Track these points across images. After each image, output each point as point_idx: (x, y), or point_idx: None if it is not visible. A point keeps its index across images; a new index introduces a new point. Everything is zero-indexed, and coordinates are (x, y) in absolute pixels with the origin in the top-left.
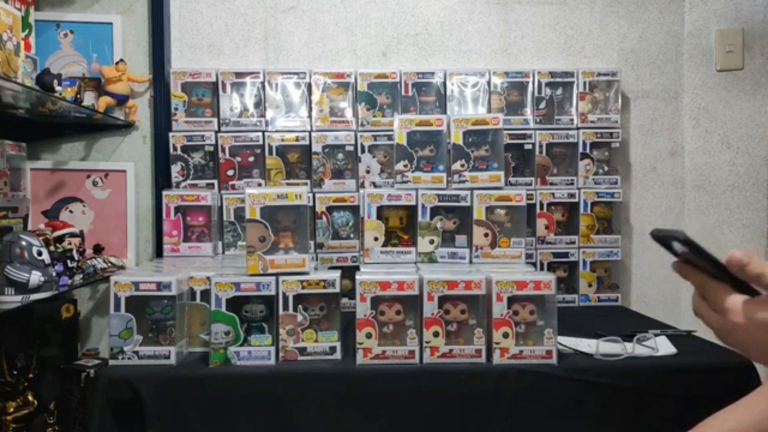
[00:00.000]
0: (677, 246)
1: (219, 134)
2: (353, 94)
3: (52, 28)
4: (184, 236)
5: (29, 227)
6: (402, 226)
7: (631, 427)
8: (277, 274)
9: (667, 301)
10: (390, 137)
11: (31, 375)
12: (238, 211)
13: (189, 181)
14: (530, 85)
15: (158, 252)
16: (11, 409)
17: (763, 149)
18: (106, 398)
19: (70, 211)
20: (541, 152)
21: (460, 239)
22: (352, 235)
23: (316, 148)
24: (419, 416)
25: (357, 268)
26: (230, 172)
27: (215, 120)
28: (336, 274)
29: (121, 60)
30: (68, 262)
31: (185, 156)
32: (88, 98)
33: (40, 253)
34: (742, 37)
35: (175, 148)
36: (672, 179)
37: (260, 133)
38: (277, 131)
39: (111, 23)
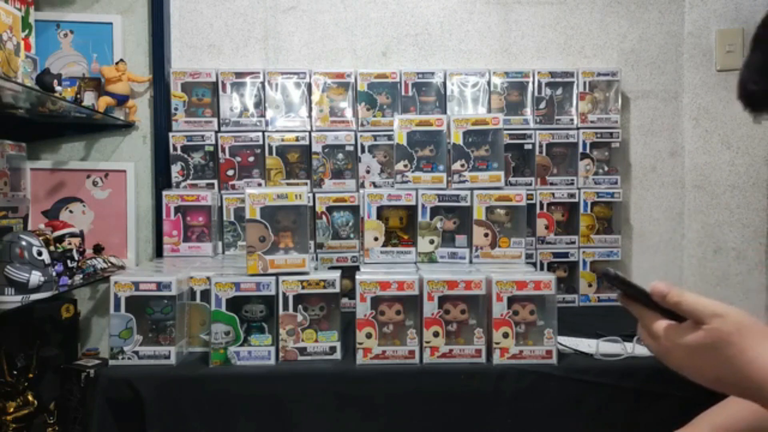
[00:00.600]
0: (616, 286)
1: (219, 134)
2: (353, 94)
3: (52, 28)
4: (184, 236)
5: (29, 227)
6: (402, 226)
7: (630, 427)
8: (277, 274)
9: None
10: (390, 137)
11: (31, 375)
12: (238, 211)
13: (189, 181)
14: (530, 85)
15: (158, 252)
16: (11, 409)
17: (763, 149)
18: (106, 398)
19: (70, 211)
20: (541, 152)
21: (460, 239)
22: (352, 235)
23: (316, 148)
24: (419, 416)
25: (357, 268)
26: (230, 172)
27: (215, 120)
28: (336, 274)
29: (121, 60)
30: (68, 262)
31: (185, 156)
32: (88, 98)
33: (40, 253)
34: (742, 37)
35: (175, 148)
36: (672, 179)
37: (260, 133)
38: (277, 131)
39: (111, 23)
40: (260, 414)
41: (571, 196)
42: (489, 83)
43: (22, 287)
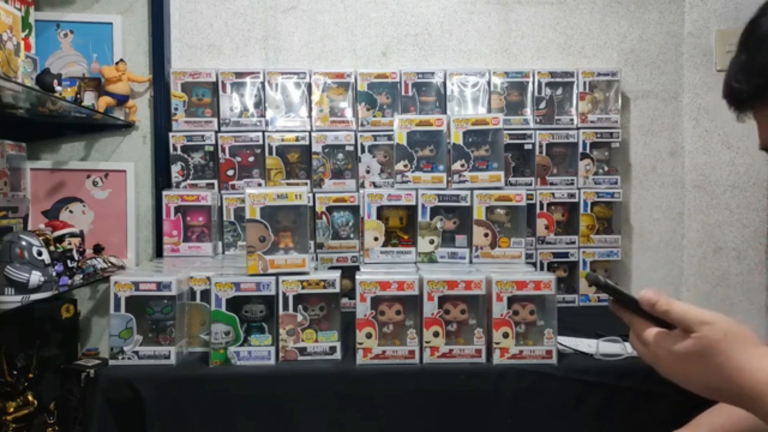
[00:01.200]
0: (606, 292)
1: (219, 134)
2: (353, 94)
3: (52, 28)
4: (184, 236)
5: (29, 227)
6: (402, 226)
7: (630, 427)
8: (277, 274)
9: None
10: (390, 137)
11: (31, 375)
12: (238, 211)
13: (189, 181)
14: (530, 85)
15: (158, 252)
16: (11, 409)
17: None
18: (106, 398)
19: (70, 211)
20: (541, 152)
21: (460, 239)
22: (352, 235)
23: (316, 148)
24: (419, 416)
25: (357, 268)
26: (230, 172)
27: (215, 120)
28: (336, 274)
29: (121, 60)
30: (68, 262)
31: (185, 156)
32: (88, 98)
33: (40, 253)
34: None
35: (175, 148)
36: (672, 179)
37: (260, 133)
38: (277, 131)
39: (111, 23)
40: (260, 414)
41: (571, 196)
42: (489, 83)
43: (22, 287)
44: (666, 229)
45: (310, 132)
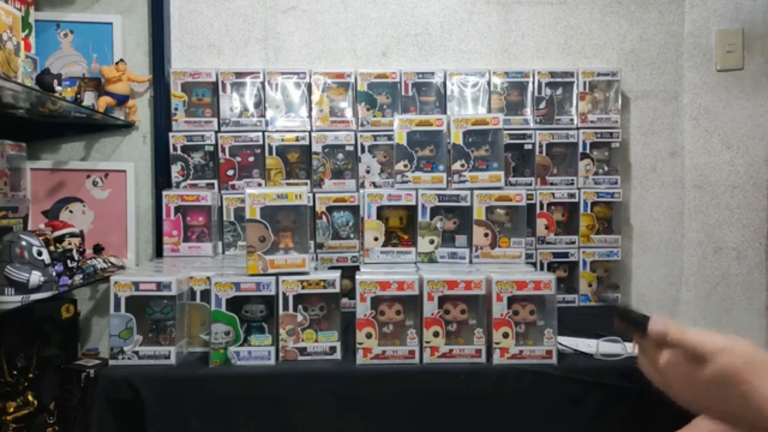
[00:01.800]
0: (615, 314)
1: (219, 134)
2: (353, 94)
3: (52, 28)
4: (184, 236)
5: (29, 227)
6: (402, 226)
7: (630, 427)
8: (277, 274)
9: (667, 301)
10: (390, 137)
11: (31, 375)
12: (238, 211)
13: (189, 181)
14: (530, 85)
15: (158, 252)
16: (11, 409)
17: (763, 149)
18: (106, 398)
19: (70, 211)
20: (541, 152)
21: (460, 239)
22: (352, 235)
23: (316, 148)
24: (419, 416)
25: (357, 268)
26: (230, 172)
27: (215, 120)
28: (336, 274)
29: (121, 60)
30: (68, 262)
31: (185, 156)
32: (88, 98)
33: (40, 253)
34: (742, 37)
35: (175, 148)
36: (672, 179)
37: (260, 133)
38: (277, 131)
39: (111, 23)
40: (260, 414)
41: (571, 196)
42: (489, 83)
43: (22, 287)
44: (666, 229)
45: (310, 132)
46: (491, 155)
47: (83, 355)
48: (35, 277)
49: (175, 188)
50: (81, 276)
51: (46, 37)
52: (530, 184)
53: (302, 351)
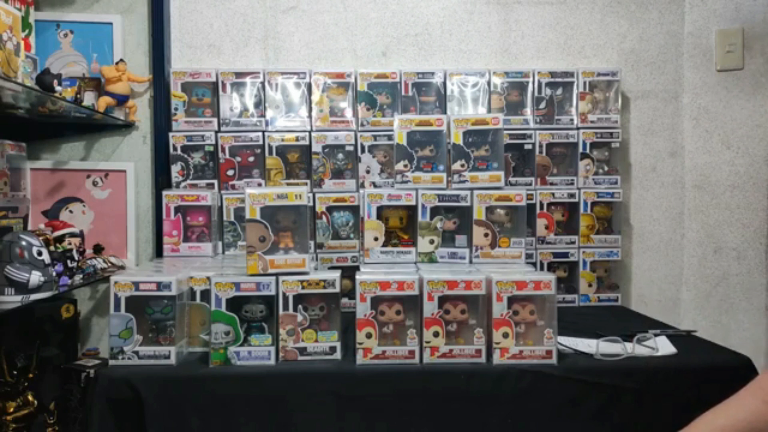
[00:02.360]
0: None
1: (219, 134)
2: (353, 94)
3: (52, 28)
4: (184, 236)
5: (29, 227)
6: (402, 226)
7: (630, 427)
8: (277, 274)
9: (667, 301)
10: (390, 137)
11: (31, 375)
12: (238, 211)
13: (189, 181)
14: (530, 85)
15: (158, 252)
16: (11, 409)
17: (763, 149)
18: (106, 398)
19: (70, 211)
20: (541, 152)
21: (460, 239)
22: (352, 235)
23: (316, 148)
24: (419, 416)
25: (357, 268)
26: (230, 172)
27: (215, 120)
28: (336, 274)
29: (121, 60)
30: (68, 262)
31: (185, 156)
32: (88, 98)
33: (40, 253)
34: (742, 37)
35: (175, 148)
36: (672, 179)
37: (260, 133)
38: (277, 131)
39: (111, 23)
40: (260, 414)
41: (571, 196)
42: (489, 83)
43: (22, 287)
44: (666, 229)
45: (310, 132)
46: (491, 155)
47: (83, 355)
48: (35, 277)
49: (175, 188)
50: (81, 276)
51: (46, 37)
52: (530, 184)
53: (302, 351)
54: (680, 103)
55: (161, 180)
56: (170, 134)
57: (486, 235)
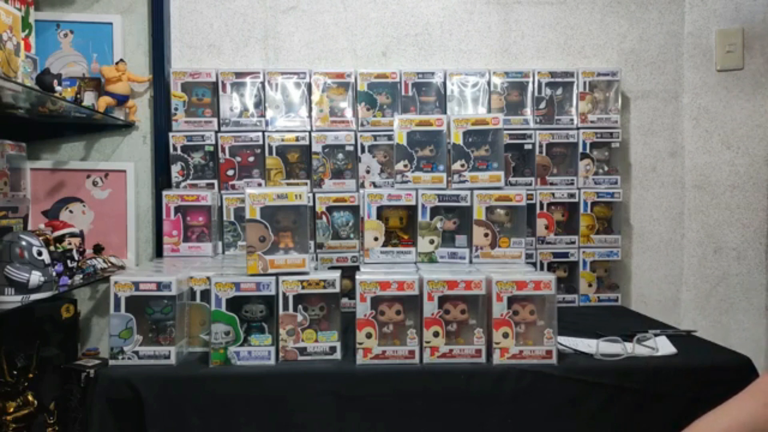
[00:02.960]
0: None
1: (219, 134)
2: (353, 94)
3: (52, 28)
4: (184, 236)
5: (29, 227)
6: (402, 226)
7: (630, 427)
8: (277, 274)
9: (667, 301)
10: (390, 137)
11: (31, 375)
12: (238, 211)
13: (189, 181)
14: (530, 85)
15: (158, 252)
16: (11, 409)
17: (763, 149)
18: (106, 398)
19: (70, 211)
20: (541, 152)
21: (460, 239)
22: (352, 235)
23: (316, 148)
24: (419, 416)
25: (357, 268)
26: (230, 172)
27: (215, 120)
28: (336, 274)
29: (121, 60)
30: (68, 262)
31: (185, 156)
32: (88, 98)
33: (40, 253)
34: (742, 37)
35: (175, 148)
36: (672, 179)
37: (260, 133)
38: (277, 131)
39: (111, 23)
40: (260, 414)
41: (571, 196)
42: (489, 83)
43: (22, 287)
44: (666, 229)
45: (310, 132)
46: (491, 155)
47: (83, 355)
48: (35, 277)
49: (175, 188)
50: (81, 276)
51: (46, 37)
52: (530, 184)
53: (302, 351)
54: (680, 103)
55: (161, 180)
56: (170, 134)
57: (486, 235)
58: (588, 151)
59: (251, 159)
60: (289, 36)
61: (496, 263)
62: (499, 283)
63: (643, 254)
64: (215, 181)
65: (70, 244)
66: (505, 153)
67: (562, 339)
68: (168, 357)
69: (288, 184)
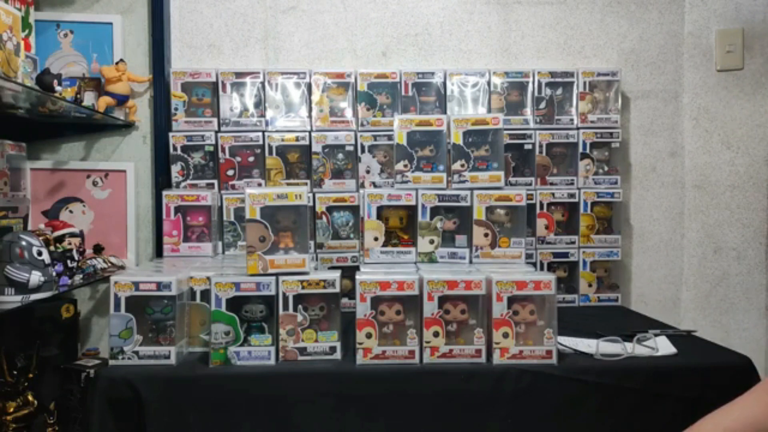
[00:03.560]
0: None
1: (219, 134)
2: (353, 94)
3: (52, 28)
4: (184, 236)
5: (29, 227)
6: (402, 226)
7: (631, 427)
8: (277, 274)
9: (667, 301)
10: (390, 137)
11: (31, 375)
12: (238, 211)
13: (189, 181)
14: (530, 85)
15: (158, 252)
16: (11, 409)
17: (763, 149)
18: (106, 398)
19: (70, 211)
20: (541, 152)
21: (460, 239)
22: (352, 235)
23: (316, 148)
24: (419, 416)
25: (357, 268)
26: (230, 172)
27: (215, 120)
28: (336, 274)
29: (121, 60)
30: (68, 262)
31: (185, 156)
32: (88, 98)
33: (40, 253)
34: (742, 37)
35: (175, 148)
36: (672, 179)
37: (260, 133)
38: (277, 131)
39: (111, 23)
40: (260, 414)
41: (571, 196)
42: (489, 83)
43: (22, 287)
44: (666, 229)
45: (310, 132)
46: (491, 155)
47: (83, 355)
48: (35, 277)
49: (175, 188)
50: (81, 276)
51: (46, 37)
52: (530, 184)
53: (302, 351)
54: (680, 103)
55: (161, 180)
56: (170, 134)
57: (486, 235)
58: (588, 151)
59: (251, 159)
60: (289, 36)
61: (496, 263)
62: (499, 283)
63: (643, 254)
64: (215, 181)
65: (70, 244)
66: (505, 153)
67: (562, 339)
68: (168, 357)
69: (288, 184)
